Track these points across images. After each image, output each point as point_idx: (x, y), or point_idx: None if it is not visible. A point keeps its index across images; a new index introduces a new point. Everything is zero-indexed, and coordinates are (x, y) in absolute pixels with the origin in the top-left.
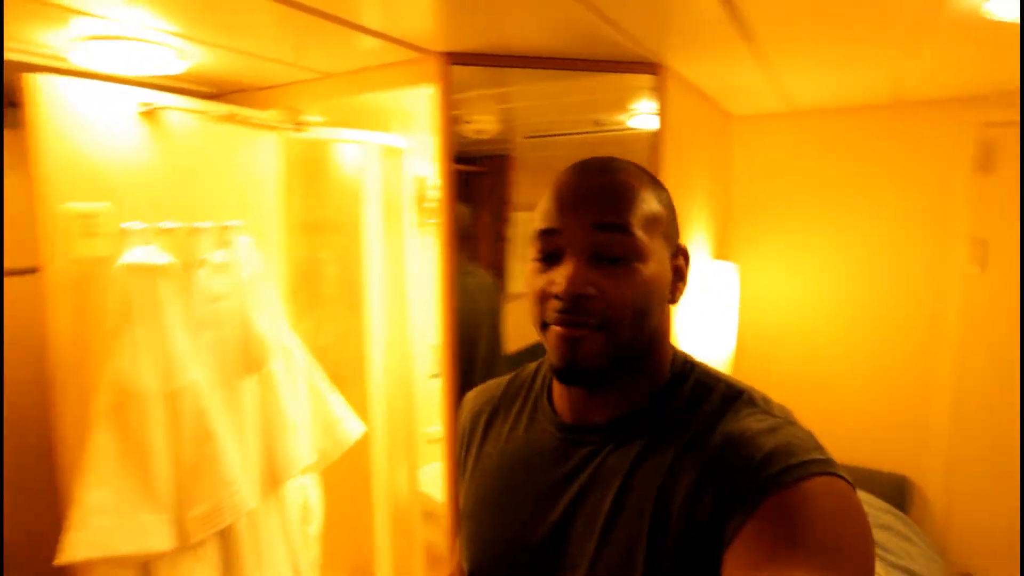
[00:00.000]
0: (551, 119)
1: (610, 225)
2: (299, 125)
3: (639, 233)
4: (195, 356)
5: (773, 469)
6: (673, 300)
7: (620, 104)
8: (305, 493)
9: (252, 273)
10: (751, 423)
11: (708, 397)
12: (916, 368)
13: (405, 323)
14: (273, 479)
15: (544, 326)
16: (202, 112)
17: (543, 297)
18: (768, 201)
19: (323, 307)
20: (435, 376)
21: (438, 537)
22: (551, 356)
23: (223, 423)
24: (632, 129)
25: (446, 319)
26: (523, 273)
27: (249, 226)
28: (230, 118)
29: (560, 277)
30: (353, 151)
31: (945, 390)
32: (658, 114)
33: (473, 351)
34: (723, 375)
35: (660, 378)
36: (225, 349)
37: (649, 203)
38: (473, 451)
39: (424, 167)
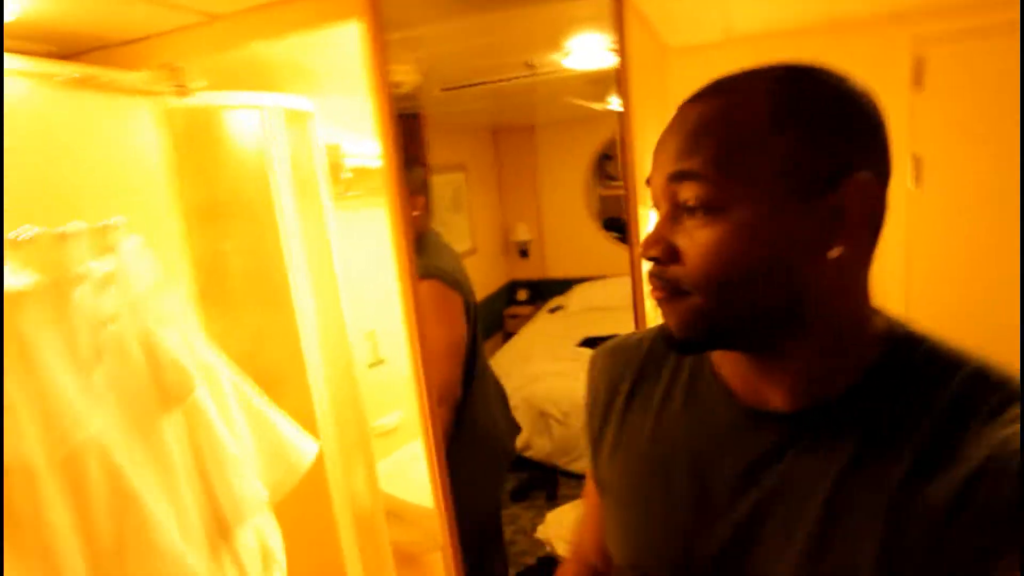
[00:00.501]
0: (475, 65)
1: (682, 173)
2: (180, 88)
3: (720, 177)
4: (92, 401)
5: None
6: (831, 250)
7: (555, 41)
8: (262, 536)
9: (148, 282)
10: None
11: (947, 383)
12: None
13: (338, 311)
14: (222, 531)
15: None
16: (48, 75)
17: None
18: None
19: (237, 307)
20: (376, 364)
21: (408, 536)
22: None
23: (145, 479)
24: (571, 71)
25: (409, 297)
26: None
27: (135, 222)
28: (88, 83)
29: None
30: (251, 118)
31: (894, 303)
32: (616, 49)
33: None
34: (967, 353)
35: (859, 354)
36: (132, 384)
37: (757, 133)
38: (612, 424)
39: (334, 134)
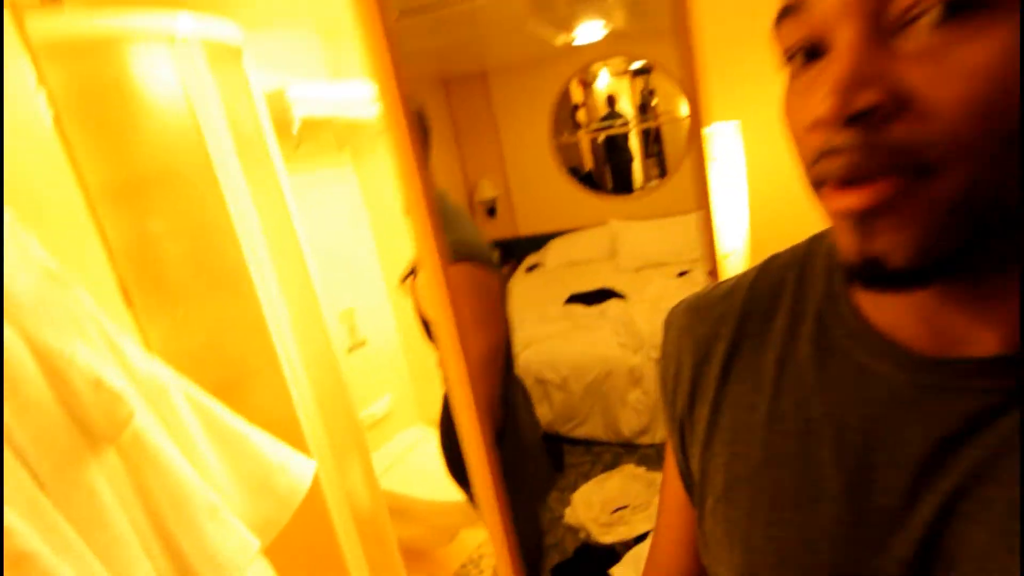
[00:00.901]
0: None
1: None
2: None
3: None
4: None
5: None
6: None
7: None
8: None
9: (39, 279)
10: None
11: None
12: None
13: (309, 290)
14: None
15: (816, 187)
16: None
17: (806, 138)
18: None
19: (180, 299)
20: (356, 347)
21: (415, 531)
22: (836, 244)
23: (64, 544)
24: None
25: (444, 292)
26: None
27: (16, 203)
28: None
29: (823, 86)
30: (160, 54)
31: None
32: None
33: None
34: None
35: None
36: (34, 420)
37: None
38: (705, 402)
39: (273, 77)
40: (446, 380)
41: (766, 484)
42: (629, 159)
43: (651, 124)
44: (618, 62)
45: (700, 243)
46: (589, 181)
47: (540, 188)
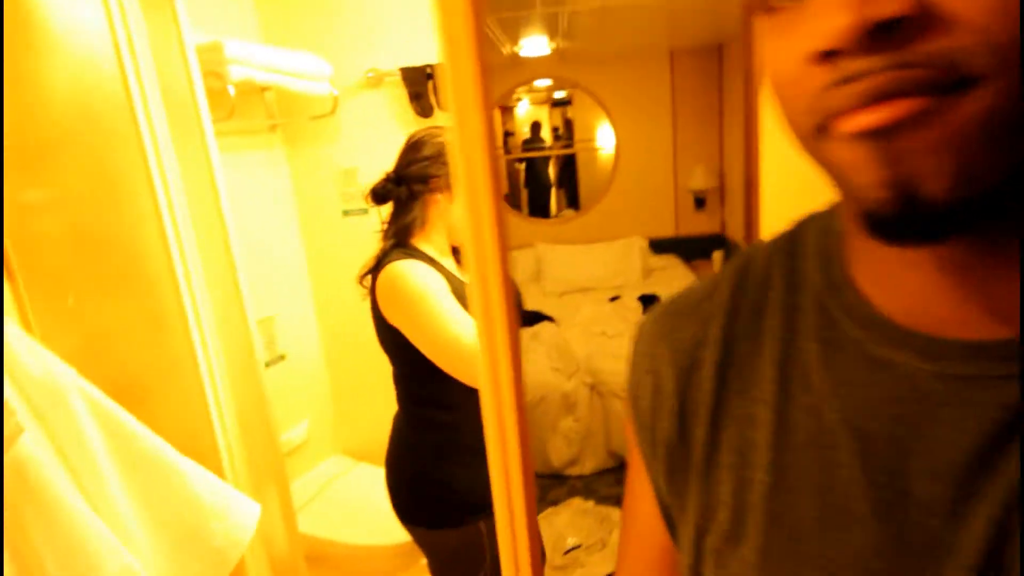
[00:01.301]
0: None
1: None
2: None
3: None
4: None
5: None
6: None
7: None
8: None
9: None
10: None
11: None
12: None
13: (233, 290)
14: None
15: (821, 130)
16: None
17: (804, 77)
18: None
19: (75, 292)
20: (275, 361)
21: None
22: (854, 190)
23: None
24: None
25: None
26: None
27: None
28: None
29: (829, 4)
30: None
31: None
32: None
33: None
34: None
35: None
36: None
37: None
38: (700, 418)
39: (206, 29)
40: (485, 408)
41: (781, 513)
42: (548, 185)
43: (569, 151)
44: (540, 92)
45: (626, 269)
46: (508, 203)
47: None
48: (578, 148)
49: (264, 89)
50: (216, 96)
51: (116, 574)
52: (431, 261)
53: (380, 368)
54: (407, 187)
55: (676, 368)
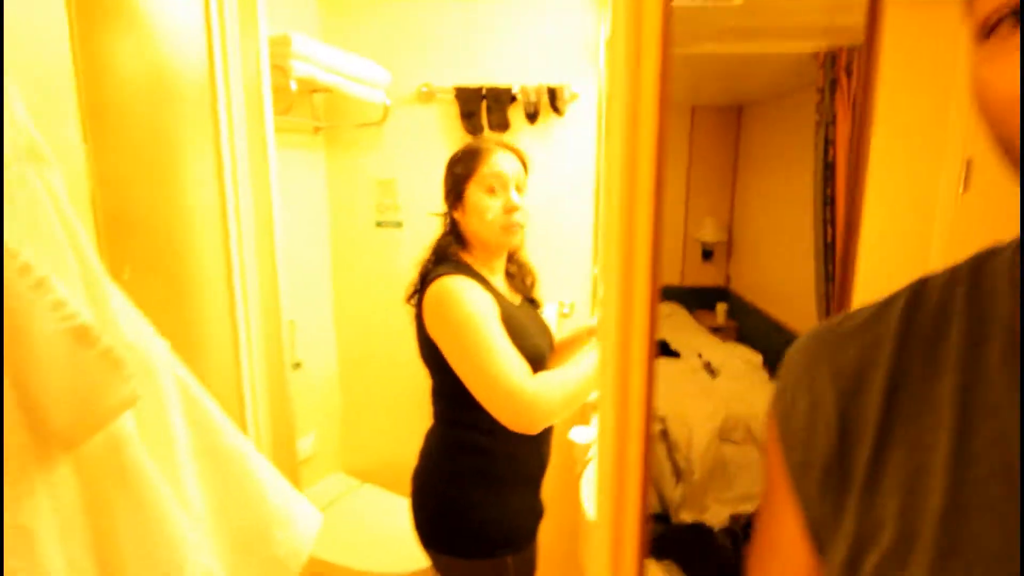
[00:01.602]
0: None
1: None
2: None
3: None
4: None
5: None
6: None
7: None
8: None
9: (18, 156)
10: None
11: None
12: None
13: (273, 287)
14: None
15: None
16: None
17: None
18: None
19: (142, 266)
20: (293, 368)
21: None
22: None
23: None
24: None
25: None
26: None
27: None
28: None
29: None
30: None
31: None
32: None
33: None
34: None
35: None
36: None
37: None
38: (864, 440)
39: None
40: (604, 442)
41: (957, 541)
42: None
43: None
44: None
45: None
46: None
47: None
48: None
49: (313, 91)
50: (275, 91)
51: (200, 567)
52: (480, 279)
53: (394, 388)
54: (446, 198)
55: (837, 389)
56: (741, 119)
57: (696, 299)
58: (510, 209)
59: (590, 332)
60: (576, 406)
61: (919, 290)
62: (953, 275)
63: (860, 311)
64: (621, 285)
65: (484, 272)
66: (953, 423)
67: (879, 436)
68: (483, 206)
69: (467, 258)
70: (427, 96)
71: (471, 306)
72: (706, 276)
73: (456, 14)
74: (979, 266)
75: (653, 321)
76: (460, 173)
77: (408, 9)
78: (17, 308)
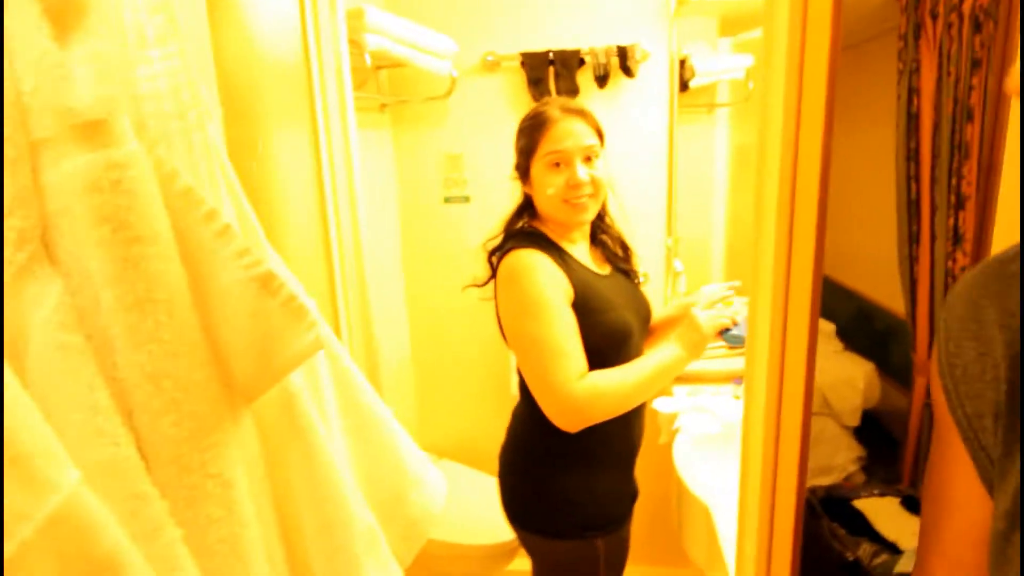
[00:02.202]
0: None
1: None
2: None
3: None
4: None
5: None
6: None
7: None
8: None
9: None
10: None
11: None
12: None
13: (361, 277)
14: None
15: None
16: None
17: None
18: None
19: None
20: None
21: None
22: None
23: (167, 564)
24: None
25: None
26: None
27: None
28: None
29: None
30: None
31: None
32: None
33: None
34: None
35: None
36: (154, 335)
37: None
38: None
39: None
40: (751, 419)
41: None
42: None
43: None
44: None
45: None
46: None
47: None
48: None
49: (379, 67)
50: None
51: (363, 534)
52: (556, 250)
53: (467, 364)
54: (517, 170)
55: (1006, 334)
56: None
57: None
58: (575, 185)
59: (685, 310)
60: (630, 407)
61: None
62: None
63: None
64: (777, 262)
65: (563, 243)
66: None
67: None
68: (545, 182)
69: (542, 228)
70: (492, 65)
71: (535, 289)
72: None
73: None
74: None
75: (815, 304)
76: (524, 146)
77: None
78: (202, 257)
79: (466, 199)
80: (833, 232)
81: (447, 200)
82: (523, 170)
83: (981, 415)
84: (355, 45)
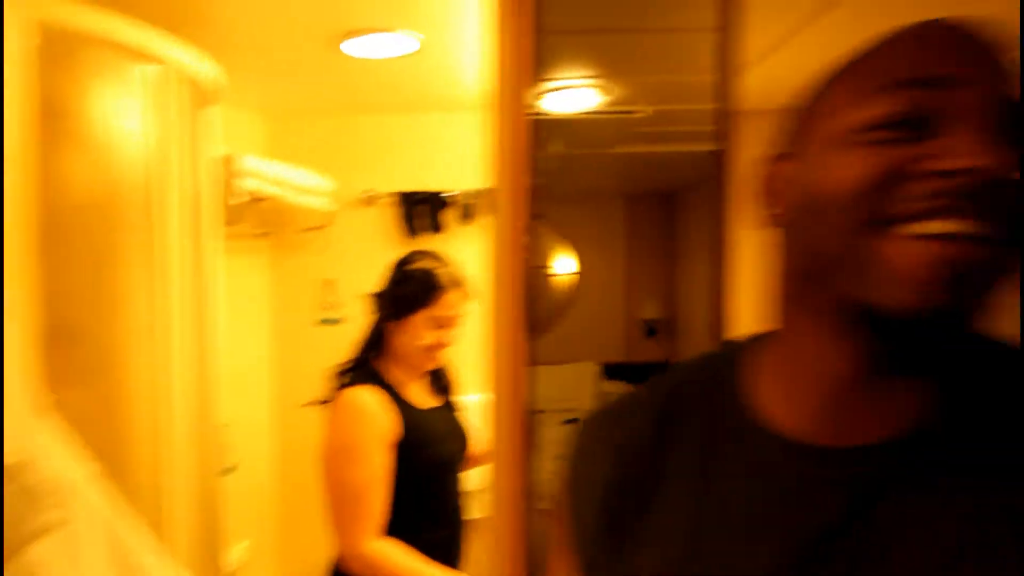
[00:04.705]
0: None
1: (1013, 103)
2: None
3: None
4: None
5: None
6: None
7: None
8: None
9: None
10: None
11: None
12: None
13: (206, 393)
14: None
15: (881, 226)
16: None
17: (892, 178)
18: None
19: (63, 377)
20: (226, 472)
21: None
22: (890, 288)
23: None
24: None
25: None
26: (819, 158)
27: None
28: None
29: (958, 147)
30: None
31: None
32: None
33: None
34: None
35: None
36: None
37: None
38: (627, 522)
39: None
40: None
41: None
42: None
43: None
44: None
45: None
46: None
47: None
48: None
49: (262, 200)
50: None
51: None
52: (391, 390)
53: None
54: (381, 307)
55: (610, 465)
56: (675, 205)
57: (642, 375)
58: (445, 345)
59: None
60: None
61: (673, 379)
62: (696, 365)
63: (630, 395)
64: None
65: (401, 378)
66: (694, 489)
67: (640, 504)
68: (421, 335)
69: (383, 366)
70: (370, 200)
71: (354, 433)
72: (650, 353)
73: (397, 128)
74: (714, 360)
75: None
76: (410, 298)
77: (350, 123)
78: None
79: (341, 321)
80: (707, 342)
81: (322, 322)
82: (399, 314)
83: (589, 535)
84: (230, 187)
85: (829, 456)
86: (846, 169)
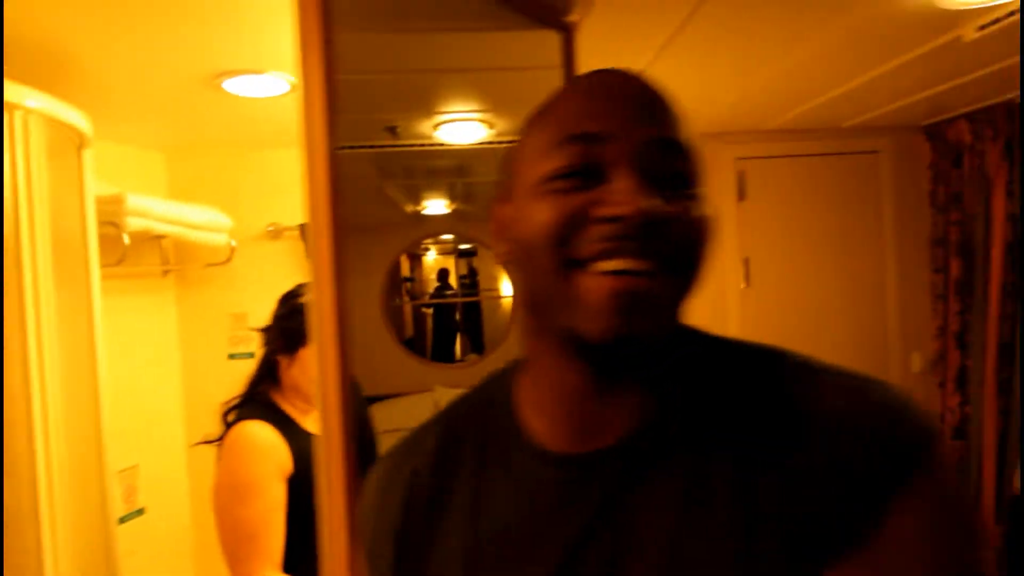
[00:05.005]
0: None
1: (671, 142)
2: None
3: (695, 158)
4: None
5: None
6: None
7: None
8: None
9: None
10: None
11: (740, 367)
12: None
13: (94, 434)
14: None
15: (574, 265)
16: None
17: (575, 223)
18: None
19: None
20: (131, 516)
21: None
22: (586, 318)
23: None
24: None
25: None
26: (521, 206)
27: None
28: None
29: (618, 194)
30: None
31: None
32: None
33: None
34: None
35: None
36: None
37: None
38: (415, 548)
39: (109, 180)
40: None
41: None
42: (454, 330)
43: (474, 299)
44: (447, 243)
45: None
46: (410, 347)
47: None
48: (483, 296)
49: (161, 237)
50: (111, 243)
51: None
52: (287, 421)
53: None
54: (270, 341)
55: (399, 499)
56: None
57: None
58: None
59: None
60: None
61: (450, 410)
62: (473, 394)
63: (420, 427)
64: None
65: (296, 413)
66: (469, 510)
67: (426, 532)
68: (313, 369)
69: (278, 398)
70: (275, 234)
71: (246, 469)
72: None
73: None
74: (488, 387)
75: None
76: (299, 331)
77: (250, 159)
78: None
79: (251, 355)
80: None
81: (232, 357)
82: (289, 348)
83: (385, 566)
84: (115, 226)
85: (577, 461)
86: (540, 215)
